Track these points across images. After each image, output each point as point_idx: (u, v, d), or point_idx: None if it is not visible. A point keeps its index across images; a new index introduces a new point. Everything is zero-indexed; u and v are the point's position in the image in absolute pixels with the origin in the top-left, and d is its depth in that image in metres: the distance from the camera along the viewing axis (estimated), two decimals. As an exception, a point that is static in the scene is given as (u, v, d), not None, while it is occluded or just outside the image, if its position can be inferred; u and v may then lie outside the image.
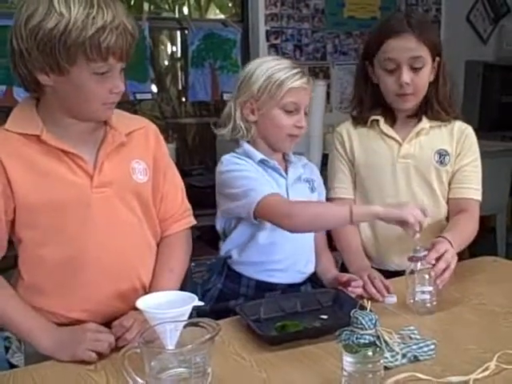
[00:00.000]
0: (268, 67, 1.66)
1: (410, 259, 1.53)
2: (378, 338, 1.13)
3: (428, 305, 1.51)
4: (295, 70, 1.66)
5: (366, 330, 1.12)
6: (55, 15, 1.26)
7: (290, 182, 1.72)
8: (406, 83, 1.73)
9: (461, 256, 1.77)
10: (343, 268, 1.83)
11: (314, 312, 1.52)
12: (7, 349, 2.58)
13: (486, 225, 4.05)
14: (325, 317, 1.49)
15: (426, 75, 1.76)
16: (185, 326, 1.18)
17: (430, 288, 1.51)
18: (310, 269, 1.77)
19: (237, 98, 1.70)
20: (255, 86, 1.66)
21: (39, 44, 1.27)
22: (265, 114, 1.67)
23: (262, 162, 1.69)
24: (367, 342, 1.12)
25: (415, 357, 1.26)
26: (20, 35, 1.29)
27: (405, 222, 1.49)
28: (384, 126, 1.84)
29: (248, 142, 1.71)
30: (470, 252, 2.08)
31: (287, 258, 1.70)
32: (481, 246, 2.32)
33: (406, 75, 1.72)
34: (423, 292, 1.51)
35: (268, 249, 1.68)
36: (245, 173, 1.64)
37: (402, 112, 1.84)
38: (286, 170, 1.74)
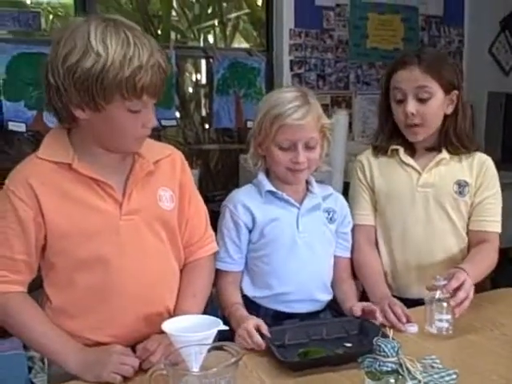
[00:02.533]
0: (268, 103, 1.68)
1: (430, 288, 1.55)
2: (401, 365, 1.14)
3: (444, 333, 1.54)
4: (290, 105, 1.63)
5: (389, 357, 1.13)
6: (93, 55, 1.28)
7: (303, 212, 1.73)
8: (412, 113, 1.76)
9: (483, 287, 1.79)
10: (364, 295, 1.84)
11: (340, 340, 1.53)
12: (30, 369, 2.62)
13: (509, 256, 4.02)
14: (349, 345, 1.50)
15: (435, 106, 1.78)
16: (209, 350, 1.21)
17: (448, 316, 1.54)
18: (327, 297, 1.78)
19: (252, 131, 1.74)
20: (256, 121, 1.69)
21: (76, 82, 1.30)
22: (266, 150, 1.70)
23: (269, 193, 1.72)
24: (389, 369, 1.13)
25: (437, 386, 1.27)
26: (57, 72, 1.31)
27: None
28: (403, 156, 1.87)
29: (267, 171, 1.75)
30: (491, 283, 2.08)
31: (301, 289, 1.71)
32: (502, 277, 2.32)
33: (411, 105, 1.76)
34: (441, 320, 1.54)
35: (279, 282, 1.70)
36: (224, 232, 1.72)
37: (419, 144, 1.86)
38: (301, 200, 1.75)
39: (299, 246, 1.71)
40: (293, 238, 1.71)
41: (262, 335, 1.47)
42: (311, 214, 1.74)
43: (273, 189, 1.72)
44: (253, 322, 1.50)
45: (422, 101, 1.76)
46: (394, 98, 1.81)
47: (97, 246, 1.41)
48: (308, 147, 1.67)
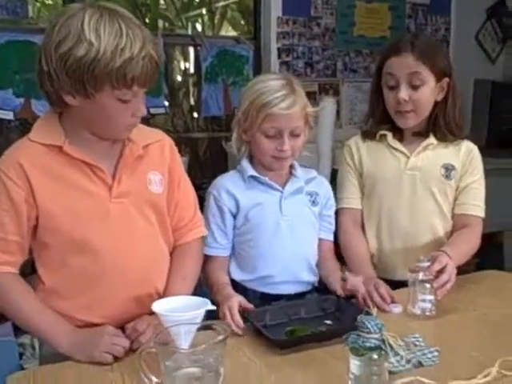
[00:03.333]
0: (254, 90, 1.68)
1: (413, 270, 1.59)
2: (384, 341, 1.18)
3: (427, 313, 1.58)
4: (278, 94, 1.64)
5: (372, 334, 1.17)
6: (85, 44, 1.30)
7: (286, 195, 1.75)
8: (404, 100, 1.78)
9: (467, 271, 1.83)
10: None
11: (318, 318, 1.57)
12: (21, 355, 2.64)
13: (495, 241, 4.08)
14: (329, 322, 1.55)
15: (427, 93, 1.80)
16: (198, 330, 1.23)
17: (431, 297, 1.57)
18: (312, 278, 1.81)
19: (236, 118, 1.76)
20: (241, 108, 1.71)
21: (68, 69, 1.32)
22: (252, 136, 1.72)
23: (252, 178, 1.75)
24: (373, 345, 1.16)
25: (419, 362, 1.30)
26: (50, 57, 1.33)
27: None
28: (392, 141, 1.90)
29: (250, 156, 1.78)
30: (476, 268, 2.12)
31: (286, 271, 1.75)
32: (487, 261, 2.36)
33: (404, 92, 1.78)
34: (424, 300, 1.57)
35: (265, 265, 1.74)
36: (210, 218, 1.75)
37: (406, 129, 1.89)
38: (284, 183, 1.78)
39: (283, 228, 1.74)
40: (276, 221, 1.74)
41: (244, 317, 1.50)
42: (294, 197, 1.77)
43: (255, 174, 1.74)
44: (237, 299, 1.53)
45: (414, 87, 1.78)
46: (386, 84, 1.83)
47: (87, 227, 1.43)
48: (293, 135, 1.69)
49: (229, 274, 1.77)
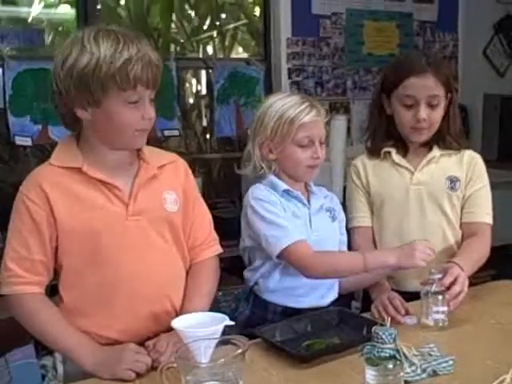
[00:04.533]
0: (278, 107, 1.74)
1: (425, 282, 1.62)
2: (398, 351, 1.20)
3: (440, 324, 1.60)
4: (303, 106, 1.73)
5: (386, 344, 1.20)
6: (87, 54, 1.40)
7: (313, 211, 1.79)
8: (424, 119, 1.83)
9: (484, 282, 1.84)
10: (366, 293, 1.90)
11: (325, 331, 1.60)
12: (43, 377, 2.66)
13: (509, 253, 4.07)
14: (337, 333, 1.58)
15: (441, 111, 1.87)
16: (217, 346, 1.26)
17: (444, 308, 1.60)
18: (333, 294, 1.82)
19: (254, 139, 1.78)
20: (268, 127, 1.74)
21: (75, 82, 1.42)
22: (282, 152, 1.75)
23: (285, 192, 1.77)
24: (387, 355, 1.19)
25: (434, 371, 1.33)
26: (58, 77, 1.44)
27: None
28: (396, 157, 1.94)
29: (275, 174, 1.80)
30: (492, 280, 2.13)
31: (312, 285, 1.76)
32: (503, 273, 2.37)
33: (424, 112, 1.83)
34: (437, 312, 1.60)
35: (292, 273, 1.74)
36: (275, 218, 1.69)
37: (414, 143, 1.93)
38: (308, 200, 1.81)
39: (311, 244, 1.74)
40: (307, 236, 1.75)
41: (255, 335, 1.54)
42: (319, 213, 1.81)
43: (289, 187, 1.77)
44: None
45: (431, 106, 1.84)
46: (402, 103, 1.86)
47: (104, 245, 1.48)
48: (321, 143, 1.76)
49: (257, 281, 1.79)
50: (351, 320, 1.61)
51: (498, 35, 4.70)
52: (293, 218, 1.74)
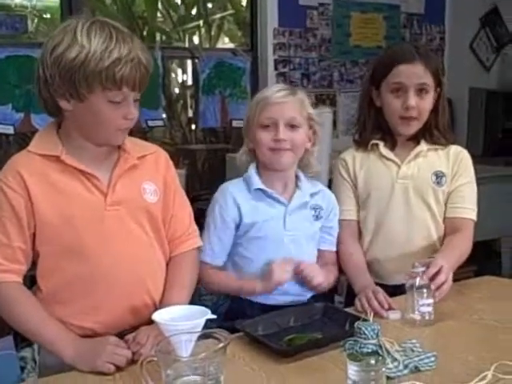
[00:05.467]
0: (256, 96, 1.77)
1: (409, 275, 1.61)
2: (381, 347, 1.20)
3: (426, 317, 1.59)
4: (275, 88, 1.74)
5: (369, 339, 1.19)
6: (77, 46, 1.38)
7: (290, 210, 1.76)
8: (412, 106, 1.83)
9: (466, 277, 1.84)
10: (350, 288, 1.89)
11: (308, 325, 1.59)
12: (22, 369, 2.64)
13: (492, 248, 4.10)
14: (320, 328, 1.56)
15: (430, 101, 1.87)
16: (198, 339, 1.25)
17: (430, 301, 1.59)
18: (310, 293, 1.80)
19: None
20: (246, 116, 1.78)
21: (61, 72, 1.39)
22: (252, 138, 1.75)
23: (259, 191, 1.75)
24: (370, 350, 1.19)
25: (416, 367, 1.32)
26: (46, 63, 1.41)
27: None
28: (383, 149, 1.93)
29: (257, 167, 1.79)
30: (475, 276, 2.13)
31: (288, 284, 1.73)
32: (486, 269, 2.38)
33: (412, 99, 1.83)
34: (422, 305, 1.59)
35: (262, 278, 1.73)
36: (211, 226, 1.76)
37: (402, 136, 1.93)
38: (291, 196, 1.78)
39: (285, 243, 1.74)
40: (279, 235, 1.74)
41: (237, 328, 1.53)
42: (298, 212, 1.78)
43: (262, 186, 1.75)
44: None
45: (420, 95, 1.84)
46: (391, 91, 1.86)
47: (82, 234, 1.46)
48: (290, 127, 1.71)
49: None
50: (335, 315, 1.60)
51: (484, 29, 4.71)
52: (257, 220, 1.74)
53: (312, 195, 1.81)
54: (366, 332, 1.19)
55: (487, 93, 4.48)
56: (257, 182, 1.75)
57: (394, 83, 1.85)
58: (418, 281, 1.60)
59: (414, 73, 1.83)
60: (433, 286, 1.60)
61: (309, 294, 1.80)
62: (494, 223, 3.58)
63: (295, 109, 1.72)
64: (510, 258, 4.15)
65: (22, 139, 3.44)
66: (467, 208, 1.91)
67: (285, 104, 1.70)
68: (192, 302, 1.58)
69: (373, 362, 1.17)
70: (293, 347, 1.46)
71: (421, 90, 1.84)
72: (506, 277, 3.77)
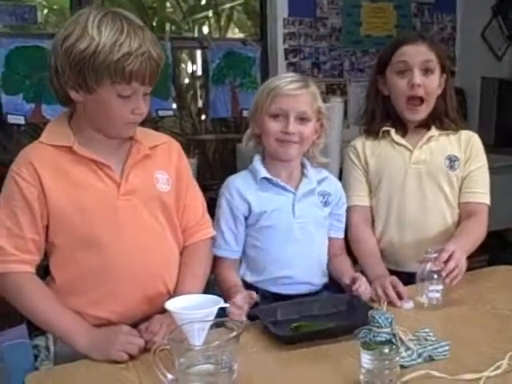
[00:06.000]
0: (267, 82, 1.75)
1: (421, 261, 1.62)
2: (394, 336, 1.20)
3: (434, 303, 1.60)
4: (288, 79, 1.71)
5: (383, 328, 1.19)
6: (87, 38, 1.37)
7: (298, 197, 1.75)
8: (418, 84, 1.83)
9: (478, 267, 1.84)
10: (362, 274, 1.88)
11: (330, 315, 1.57)
12: (36, 357, 2.66)
13: (504, 239, 4.07)
14: (339, 320, 1.54)
15: (436, 81, 1.87)
16: (211, 327, 1.25)
17: (439, 287, 1.60)
18: (323, 279, 1.81)
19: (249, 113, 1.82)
20: (255, 101, 1.76)
21: (71, 63, 1.39)
22: (260, 125, 1.74)
23: (264, 180, 1.75)
24: (383, 339, 1.18)
25: (430, 356, 1.31)
26: (57, 53, 1.41)
27: None
28: (395, 136, 1.93)
29: (263, 156, 1.79)
30: (488, 266, 2.12)
31: (298, 273, 1.75)
32: (499, 259, 2.36)
33: (418, 77, 1.83)
34: (432, 291, 1.60)
35: (277, 267, 1.74)
36: (221, 220, 1.75)
37: (411, 123, 1.92)
38: (297, 185, 1.78)
39: (295, 231, 1.74)
40: (289, 223, 1.74)
41: (253, 315, 1.52)
42: (306, 198, 1.77)
43: (268, 175, 1.74)
44: (241, 295, 1.54)
45: (426, 74, 1.84)
46: (395, 71, 1.87)
47: (95, 224, 1.46)
48: (300, 120, 1.70)
49: (243, 277, 1.78)
50: (360, 307, 1.55)
51: (496, 17, 4.67)
52: (267, 208, 1.73)
53: (319, 182, 1.81)
54: (380, 321, 1.19)
55: (499, 82, 4.44)
56: (262, 172, 1.75)
57: (398, 62, 1.86)
58: (428, 266, 1.60)
59: (418, 51, 1.85)
60: (443, 273, 1.59)
61: (321, 286, 1.81)
62: (506, 213, 3.55)
63: (307, 102, 1.71)
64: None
65: (33, 129, 3.46)
66: (481, 192, 1.91)
67: (297, 97, 1.69)
68: (206, 292, 1.57)
69: (386, 350, 1.17)
70: (294, 334, 1.45)
71: (426, 70, 1.84)
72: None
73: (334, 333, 1.43)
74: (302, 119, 1.71)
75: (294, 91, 1.69)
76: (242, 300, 1.51)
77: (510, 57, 4.76)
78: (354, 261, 1.90)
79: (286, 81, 1.71)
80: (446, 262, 1.61)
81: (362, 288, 1.61)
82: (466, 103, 4.40)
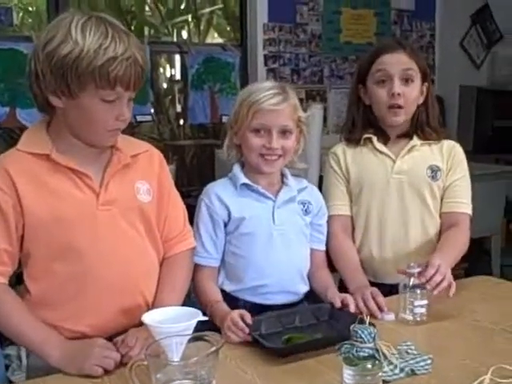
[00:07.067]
0: (246, 91, 1.72)
1: (403, 272, 1.60)
2: (377, 351, 1.17)
3: (418, 319, 1.58)
4: (269, 92, 1.67)
5: (366, 343, 1.16)
6: (70, 43, 1.33)
7: (278, 204, 1.73)
8: (398, 94, 1.81)
9: (456, 277, 1.82)
10: (342, 285, 1.86)
11: (313, 326, 1.56)
12: (7, 367, 2.59)
13: (482, 246, 4.09)
14: (323, 330, 1.53)
15: (416, 90, 1.85)
16: (189, 341, 1.21)
17: (423, 302, 1.57)
18: (304, 288, 1.79)
19: (228, 121, 1.77)
20: (234, 110, 1.72)
21: (53, 68, 1.34)
22: (242, 137, 1.71)
23: (244, 186, 1.73)
24: (366, 355, 1.15)
25: (412, 370, 1.29)
26: (38, 57, 1.36)
27: None
28: (377, 144, 1.91)
29: (243, 161, 1.77)
30: (465, 274, 2.12)
31: (278, 281, 1.72)
32: (476, 267, 2.37)
33: (398, 87, 1.82)
34: (416, 306, 1.57)
35: (256, 275, 1.71)
36: (201, 226, 1.72)
37: (393, 130, 1.91)
38: (277, 192, 1.76)
39: (275, 238, 1.72)
40: (269, 230, 1.72)
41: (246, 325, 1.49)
42: (286, 206, 1.75)
43: (247, 181, 1.73)
44: (236, 312, 1.52)
45: (406, 83, 1.83)
46: (376, 80, 1.85)
47: (73, 234, 1.42)
48: (283, 134, 1.69)
49: (222, 287, 1.75)
50: (342, 317, 1.54)
51: (475, 26, 4.70)
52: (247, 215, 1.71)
53: (299, 191, 1.79)
54: (363, 335, 1.15)
55: (477, 90, 4.47)
56: (242, 178, 1.73)
57: (378, 71, 1.84)
58: (411, 281, 1.58)
59: (398, 60, 1.83)
60: (429, 287, 1.58)
61: (301, 296, 1.78)
62: (484, 221, 3.57)
63: (288, 115, 1.69)
64: (499, 257, 4.15)
65: (8, 134, 3.39)
66: (463, 202, 1.90)
67: (279, 112, 1.67)
68: (185, 303, 1.54)
69: (369, 366, 1.14)
70: (287, 347, 1.43)
71: (406, 80, 1.83)
72: (496, 274, 3.80)
73: (325, 344, 1.40)
74: (285, 132, 1.69)
75: (275, 106, 1.66)
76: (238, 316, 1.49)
77: (489, 65, 4.80)
78: (333, 269, 1.88)
79: (266, 95, 1.66)
80: (432, 276, 1.59)
81: (352, 308, 1.60)
82: (444, 111, 4.42)
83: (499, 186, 3.98)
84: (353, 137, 1.95)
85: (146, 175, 1.55)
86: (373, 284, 1.77)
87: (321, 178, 2.87)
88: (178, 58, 4.43)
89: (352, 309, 1.59)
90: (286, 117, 1.68)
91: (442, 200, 1.91)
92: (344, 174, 1.94)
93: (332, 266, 1.89)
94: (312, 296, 1.81)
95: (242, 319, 1.49)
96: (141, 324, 1.37)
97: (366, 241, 1.92)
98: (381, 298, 1.65)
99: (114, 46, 1.34)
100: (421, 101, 1.89)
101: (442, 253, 1.73)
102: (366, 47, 4.21)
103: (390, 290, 1.73)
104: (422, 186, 1.88)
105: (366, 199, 1.91)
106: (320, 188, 1.98)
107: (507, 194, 4.10)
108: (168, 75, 4.78)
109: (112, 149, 1.50)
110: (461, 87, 4.54)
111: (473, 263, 2.39)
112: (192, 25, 4.80)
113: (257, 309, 1.69)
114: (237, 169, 1.76)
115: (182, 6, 4.82)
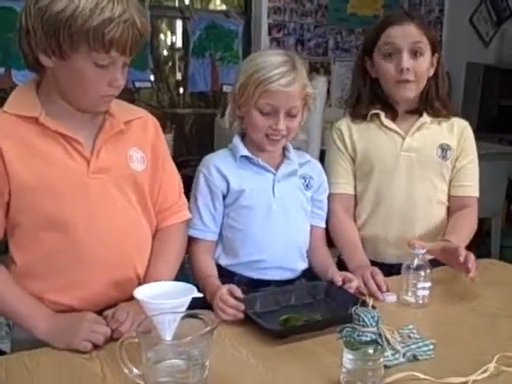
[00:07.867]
0: (253, 64, 1.62)
1: (412, 244, 1.55)
2: (380, 335, 1.12)
3: (420, 301, 1.54)
4: (278, 70, 1.58)
5: (368, 327, 1.11)
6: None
7: (279, 177, 1.69)
8: (407, 68, 1.75)
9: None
10: (339, 262, 1.82)
11: (309, 305, 1.52)
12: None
13: (483, 228, 4.05)
14: (321, 309, 1.49)
15: (426, 63, 1.79)
16: (182, 318, 1.16)
17: (426, 284, 1.53)
18: (302, 265, 1.75)
19: (232, 91, 1.69)
20: (238, 82, 1.64)
21: (44, 24, 1.26)
22: (247, 113, 1.65)
23: (244, 158, 1.68)
24: (369, 339, 1.11)
25: (414, 356, 1.25)
26: (29, 13, 1.28)
27: None
28: (385, 120, 1.85)
29: (243, 132, 1.71)
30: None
31: (276, 256, 1.69)
32: (477, 248, 2.32)
33: (406, 61, 1.75)
34: (419, 288, 1.53)
35: (254, 250, 1.67)
36: (199, 198, 1.68)
37: (402, 106, 1.85)
38: (278, 165, 1.71)
39: (274, 212, 1.67)
40: (268, 203, 1.67)
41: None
42: (287, 179, 1.71)
43: (248, 154, 1.68)
44: (225, 288, 1.47)
45: (415, 57, 1.76)
46: (383, 54, 1.78)
47: (62, 203, 1.35)
48: (289, 115, 1.63)
49: (218, 261, 1.71)
50: (339, 295, 1.51)
51: (485, 2, 4.61)
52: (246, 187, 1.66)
53: (301, 165, 1.75)
54: (366, 319, 1.11)
55: (485, 68, 4.40)
56: (243, 150, 1.68)
57: (385, 44, 1.77)
58: (415, 262, 1.53)
59: (407, 33, 1.76)
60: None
61: (299, 272, 1.74)
62: (486, 203, 3.51)
63: (297, 96, 1.62)
64: (500, 238, 4.12)
65: (2, 96, 3.31)
66: (472, 186, 1.88)
67: (289, 93, 1.59)
68: (177, 277, 1.49)
69: (371, 351, 1.10)
70: (285, 328, 1.38)
71: (415, 53, 1.76)
72: (495, 256, 3.77)
73: (324, 325, 1.36)
74: (292, 114, 1.63)
75: (285, 88, 1.58)
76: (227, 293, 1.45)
77: (497, 43, 4.71)
78: (331, 244, 1.84)
79: (276, 73, 1.57)
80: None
81: (355, 284, 1.56)
82: (450, 88, 4.35)
83: (501, 166, 3.93)
84: (358, 112, 1.88)
85: (140, 143, 1.48)
86: (373, 263, 1.73)
87: (322, 152, 2.80)
88: (179, 23, 4.33)
89: (355, 284, 1.55)
90: (294, 98, 1.61)
91: (450, 182, 1.88)
92: (348, 151, 1.88)
93: (330, 242, 1.85)
94: (309, 273, 1.77)
95: (234, 295, 1.44)
96: (132, 298, 1.31)
97: (370, 220, 1.87)
98: (380, 277, 1.61)
99: (111, 5, 1.26)
100: (431, 73, 1.83)
101: (455, 235, 1.72)
102: (372, 20, 4.13)
103: (389, 269, 1.70)
104: (430, 165, 1.84)
105: (374, 176, 1.85)
106: (322, 162, 1.92)
107: (509, 175, 4.05)
108: (169, 41, 4.68)
109: (105, 114, 1.43)
110: (468, 64, 4.46)
111: (474, 245, 2.33)
112: (195, -10, 4.70)
113: (252, 284, 1.65)
114: (237, 140, 1.71)
115: (185, -30, 4.71)
